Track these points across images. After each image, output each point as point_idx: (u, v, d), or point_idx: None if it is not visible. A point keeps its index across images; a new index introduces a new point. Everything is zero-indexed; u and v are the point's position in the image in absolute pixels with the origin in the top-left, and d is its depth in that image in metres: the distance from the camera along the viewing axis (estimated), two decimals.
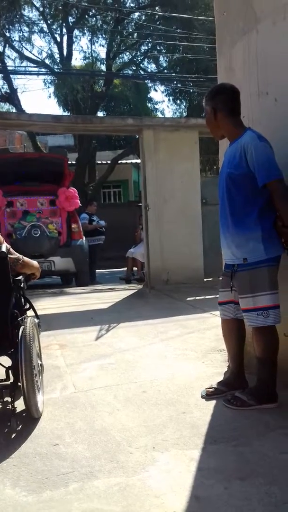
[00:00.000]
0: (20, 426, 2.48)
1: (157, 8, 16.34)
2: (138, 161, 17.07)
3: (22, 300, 2.78)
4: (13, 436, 2.40)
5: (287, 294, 2.60)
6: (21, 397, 2.49)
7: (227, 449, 2.18)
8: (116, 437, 2.34)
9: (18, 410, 2.55)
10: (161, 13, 15.59)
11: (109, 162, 16.84)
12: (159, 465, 2.06)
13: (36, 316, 2.85)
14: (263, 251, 2.51)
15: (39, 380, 2.66)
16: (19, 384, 2.47)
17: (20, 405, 2.53)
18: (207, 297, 6.11)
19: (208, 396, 2.79)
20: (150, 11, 16.19)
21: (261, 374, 2.60)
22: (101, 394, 2.93)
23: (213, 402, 2.72)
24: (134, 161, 18.97)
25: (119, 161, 16.88)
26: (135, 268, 9.26)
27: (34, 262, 2.84)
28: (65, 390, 3.05)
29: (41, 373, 2.77)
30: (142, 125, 7.14)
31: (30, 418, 2.53)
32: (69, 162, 9.24)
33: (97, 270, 9.76)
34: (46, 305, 5.86)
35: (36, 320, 2.78)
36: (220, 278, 2.94)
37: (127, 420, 2.54)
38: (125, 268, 9.40)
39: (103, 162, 17.76)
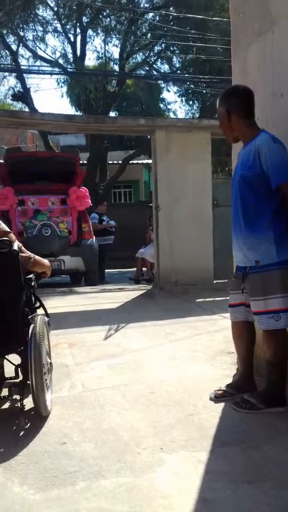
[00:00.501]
0: (29, 424, 2.48)
1: (171, 8, 16.32)
2: (149, 161, 17.14)
3: (33, 298, 2.79)
4: (21, 434, 2.41)
5: None
6: (30, 395, 2.49)
7: (236, 452, 2.16)
8: (124, 437, 2.34)
9: (26, 408, 2.55)
10: (175, 14, 15.56)
11: (120, 162, 16.87)
12: (166, 466, 2.06)
13: (46, 314, 2.86)
14: (275, 254, 2.49)
15: (48, 379, 2.67)
16: (28, 382, 2.48)
17: (28, 403, 2.54)
18: (216, 298, 6.08)
19: (216, 398, 2.77)
20: (164, 12, 16.18)
21: (271, 377, 2.59)
22: (110, 394, 2.93)
23: (222, 404, 2.71)
24: (145, 161, 18.99)
25: (130, 161, 16.89)
26: (144, 269, 9.26)
27: (45, 261, 2.85)
28: (74, 389, 3.06)
29: (50, 371, 2.77)
30: (154, 126, 7.13)
31: (39, 416, 2.54)
32: (80, 162, 9.27)
33: (106, 270, 9.78)
34: (55, 304, 5.87)
35: (46, 319, 2.78)
36: (232, 280, 2.92)
37: (135, 420, 2.54)
38: (135, 268, 9.41)
39: (114, 162, 17.79)
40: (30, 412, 2.57)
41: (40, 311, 2.86)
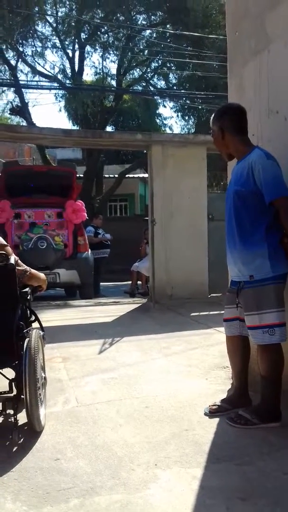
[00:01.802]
0: (22, 440, 2.46)
1: (168, 26, 16.58)
2: (145, 175, 17.24)
3: (28, 312, 2.79)
4: (14, 449, 2.38)
5: None
6: (23, 410, 2.47)
7: (230, 468, 2.15)
8: (118, 453, 2.32)
9: (20, 423, 2.53)
10: (172, 31, 15.81)
11: (116, 176, 16.96)
12: (161, 483, 2.04)
13: (41, 328, 2.85)
14: (269, 268, 2.51)
15: (42, 393, 2.65)
16: (22, 396, 2.46)
17: (22, 418, 2.52)
18: (211, 312, 6.09)
19: (211, 413, 2.76)
20: (161, 29, 16.43)
21: (266, 392, 2.58)
22: (104, 409, 2.91)
23: (216, 419, 2.69)
24: (141, 175, 19.11)
25: (126, 175, 16.99)
26: (139, 282, 9.26)
27: (41, 275, 2.85)
28: (67, 403, 3.03)
29: (44, 386, 2.76)
30: (151, 141, 7.20)
31: (32, 432, 2.51)
32: (77, 175, 9.32)
33: (101, 283, 9.76)
34: (50, 317, 5.85)
35: (41, 333, 2.77)
36: (226, 294, 2.93)
37: (129, 436, 2.52)
38: (130, 282, 9.40)
39: (111, 175, 17.89)
40: (23, 427, 2.55)
41: (35, 324, 2.85)
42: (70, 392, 3.24)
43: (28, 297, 2.70)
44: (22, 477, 2.11)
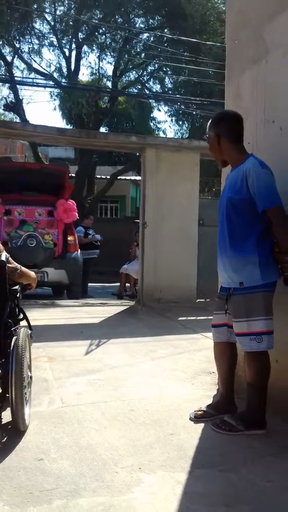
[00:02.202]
0: (5, 439, 2.44)
1: (166, 30, 16.65)
2: (137, 178, 17.25)
3: (17, 310, 2.77)
4: None
5: (280, 320, 2.60)
6: (8, 409, 2.45)
7: (214, 474, 2.16)
8: (102, 455, 2.31)
9: (3, 421, 2.51)
10: (170, 36, 15.87)
11: (108, 177, 16.95)
12: (144, 487, 2.04)
13: (29, 327, 2.83)
14: (259, 276, 2.52)
15: (28, 392, 2.63)
16: (7, 395, 2.44)
17: (5, 416, 2.49)
18: (198, 317, 6.11)
19: (196, 418, 2.77)
20: (159, 33, 16.48)
21: (251, 399, 2.59)
22: (89, 410, 2.90)
23: (202, 425, 2.70)
24: (133, 177, 19.13)
25: (118, 177, 16.99)
26: (127, 284, 9.25)
27: (32, 273, 2.84)
28: (52, 404, 3.02)
29: (30, 385, 2.74)
30: (145, 144, 7.21)
31: (16, 431, 2.49)
32: (70, 175, 9.29)
33: (89, 284, 9.73)
34: (37, 316, 5.81)
35: (29, 331, 2.76)
36: (216, 300, 2.94)
37: (114, 438, 2.51)
38: (118, 284, 9.39)
39: (103, 176, 17.87)
40: (7, 426, 2.52)
41: (23, 323, 2.83)
42: (55, 392, 3.22)
43: (18, 295, 2.68)
44: (4, 476, 2.09)
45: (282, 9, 2.72)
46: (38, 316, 5.91)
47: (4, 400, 2.47)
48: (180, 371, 3.80)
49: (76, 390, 3.28)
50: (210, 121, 2.75)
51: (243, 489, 2.02)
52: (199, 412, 2.81)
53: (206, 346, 4.42)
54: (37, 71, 16.62)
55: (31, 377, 2.77)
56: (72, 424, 2.69)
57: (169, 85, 18.05)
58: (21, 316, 2.82)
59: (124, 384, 3.44)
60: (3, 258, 2.44)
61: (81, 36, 16.48)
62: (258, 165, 2.54)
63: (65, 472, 2.14)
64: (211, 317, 2.88)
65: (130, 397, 3.16)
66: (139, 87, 18.42)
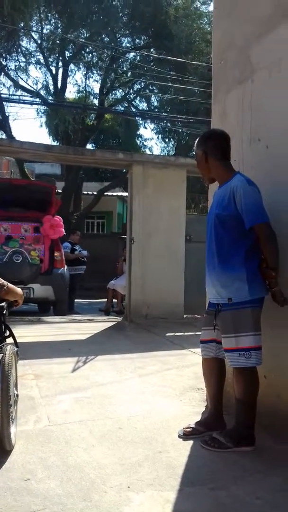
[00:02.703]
0: None
1: (152, 50, 16.92)
2: (124, 194, 17.32)
3: (3, 327, 2.73)
4: None
5: (268, 336, 2.62)
6: None
7: (203, 492, 2.14)
8: (90, 475, 2.27)
9: None
10: (156, 55, 16.14)
11: (95, 193, 17.00)
12: (134, 506, 2.01)
13: (16, 344, 2.80)
14: (247, 292, 2.54)
15: (14, 411, 2.59)
16: None
17: None
18: (186, 333, 6.10)
19: (185, 436, 2.75)
20: (145, 52, 16.75)
21: (240, 415, 2.59)
22: (76, 429, 2.86)
23: (190, 442, 2.68)
24: (119, 193, 19.21)
25: (105, 193, 17.04)
26: (114, 300, 9.22)
27: (18, 290, 2.81)
28: (39, 422, 2.97)
29: (16, 403, 2.69)
30: (132, 160, 7.27)
31: (2, 450, 2.44)
32: (56, 191, 9.30)
33: (76, 300, 9.67)
34: (22, 333, 5.72)
35: (15, 349, 2.72)
36: (203, 316, 2.95)
37: (102, 457, 2.48)
38: (105, 300, 9.35)
39: (89, 192, 17.91)
40: None
41: (9, 340, 2.79)
42: (42, 411, 3.17)
43: (4, 312, 2.65)
44: None
45: (268, 30, 2.80)
46: (25, 333, 5.84)
47: None
48: (169, 387, 3.78)
49: (63, 408, 3.23)
50: (198, 139, 2.80)
51: (232, 507, 2.01)
52: (188, 429, 2.79)
53: (194, 362, 4.41)
54: (24, 88, 16.70)
55: (17, 395, 2.73)
56: (59, 443, 2.65)
57: (156, 103, 18.29)
58: (7, 333, 2.78)
59: (112, 401, 3.41)
60: None
61: (68, 55, 16.67)
62: (245, 182, 2.58)
63: (52, 492, 2.10)
64: (199, 333, 2.88)
65: (118, 414, 3.13)
66: (126, 104, 18.63)
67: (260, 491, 2.14)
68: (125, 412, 3.17)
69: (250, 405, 2.56)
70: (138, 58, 16.89)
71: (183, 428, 2.81)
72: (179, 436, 2.75)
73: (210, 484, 2.20)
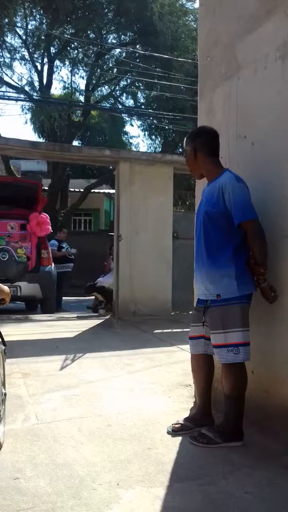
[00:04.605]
0: None
1: (138, 46, 16.87)
2: (111, 191, 17.28)
3: None
4: None
5: (255, 331, 2.64)
6: None
7: (193, 488, 2.14)
8: (79, 472, 2.27)
9: None
10: (142, 52, 16.10)
11: (81, 190, 16.93)
12: (123, 503, 2.01)
13: (3, 342, 2.78)
14: (236, 288, 2.55)
15: (2, 410, 2.57)
16: None
17: None
18: (174, 330, 6.12)
19: (174, 432, 2.76)
20: (131, 49, 16.70)
21: (228, 411, 2.60)
22: (65, 427, 2.85)
23: (179, 438, 2.69)
24: (106, 190, 19.16)
25: (92, 190, 16.99)
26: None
27: (5, 288, 2.78)
28: (27, 421, 2.95)
29: (3, 402, 2.67)
30: (119, 157, 7.26)
31: None
32: (43, 188, 9.24)
33: (63, 298, 9.64)
34: (10, 331, 5.69)
35: (2, 347, 2.70)
36: (192, 312, 2.96)
37: (91, 454, 2.47)
38: (92, 297, 9.32)
39: (76, 189, 17.83)
40: None
41: None
42: (30, 409, 3.16)
43: None
44: None
45: (253, 27, 2.80)
46: (12, 331, 5.80)
47: None
48: (157, 384, 3.78)
49: (52, 406, 3.22)
50: (187, 136, 2.80)
51: (222, 502, 2.02)
52: (177, 426, 2.80)
53: (182, 358, 4.43)
54: (9, 84, 16.54)
55: (5, 394, 2.71)
56: (48, 441, 2.64)
57: (142, 100, 18.26)
58: None
59: (101, 399, 3.41)
60: None
61: (53, 51, 16.54)
62: (234, 179, 2.59)
63: (41, 490, 2.09)
64: (187, 330, 2.89)
65: (107, 412, 3.13)
66: (112, 101, 18.56)
67: (248, 485, 2.16)
68: (113, 409, 3.17)
69: (239, 400, 2.58)
70: (123, 54, 16.83)
71: (172, 425, 2.82)
72: (168, 433, 2.76)
73: (199, 480, 2.21)
